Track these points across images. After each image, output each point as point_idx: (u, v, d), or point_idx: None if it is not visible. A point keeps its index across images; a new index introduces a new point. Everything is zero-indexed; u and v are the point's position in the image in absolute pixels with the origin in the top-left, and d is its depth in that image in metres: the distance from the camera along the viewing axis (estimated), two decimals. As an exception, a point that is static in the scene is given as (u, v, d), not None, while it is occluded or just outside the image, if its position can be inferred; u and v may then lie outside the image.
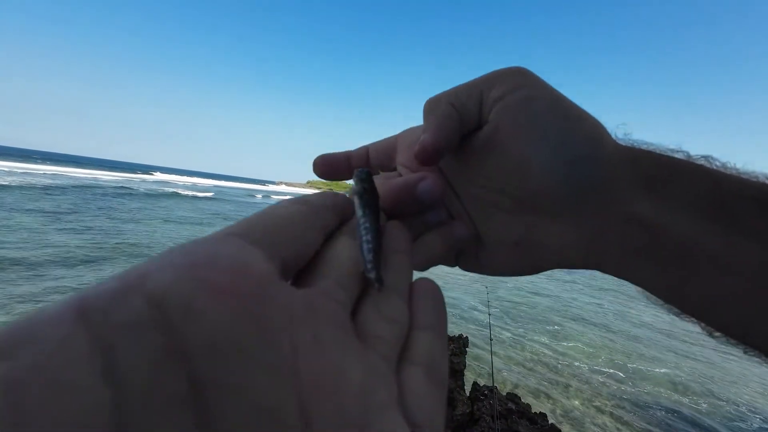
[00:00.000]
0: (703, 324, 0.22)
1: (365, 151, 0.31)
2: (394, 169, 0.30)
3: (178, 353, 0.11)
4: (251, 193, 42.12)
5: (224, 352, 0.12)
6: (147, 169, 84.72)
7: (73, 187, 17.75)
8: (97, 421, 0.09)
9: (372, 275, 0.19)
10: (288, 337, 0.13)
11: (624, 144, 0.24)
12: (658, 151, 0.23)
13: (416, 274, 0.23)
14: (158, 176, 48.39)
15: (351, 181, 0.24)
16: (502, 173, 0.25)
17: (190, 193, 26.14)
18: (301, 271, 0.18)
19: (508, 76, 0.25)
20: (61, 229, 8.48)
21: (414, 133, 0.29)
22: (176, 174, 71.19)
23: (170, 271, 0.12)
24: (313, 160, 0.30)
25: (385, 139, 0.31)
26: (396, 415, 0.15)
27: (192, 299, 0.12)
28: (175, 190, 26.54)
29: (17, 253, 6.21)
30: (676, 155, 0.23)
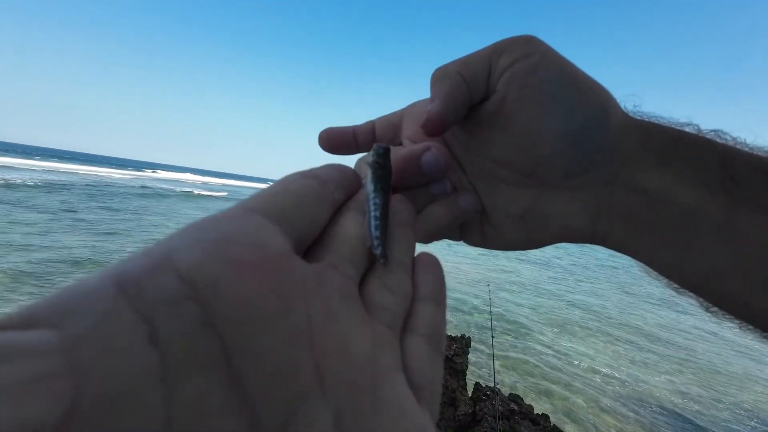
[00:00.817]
0: (701, 299, 0.22)
1: (371, 125, 0.30)
2: (400, 144, 0.30)
3: (209, 323, 0.12)
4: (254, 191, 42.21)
5: (249, 322, 0.13)
6: (147, 167, 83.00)
7: (92, 186, 17.72)
8: (149, 379, 0.10)
9: (378, 252, 0.19)
10: (303, 308, 0.15)
11: (633, 116, 0.23)
12: (667, 124, 0.23)
13: (419, 247, 0.23)
14: (162, 174, 47.16)
15: (365, 155, 0.24)
16: (509, 144, 0.24)
17: (206, 192, 25.83)
18: (311, 245, 0.18)
19: (516, 45, 0.24)
20: (114, 234, 8.35)
21: (420, 106, 0.28)
22: (178, 172, 69.16)
23: (197, 248, 0.13)
24: (318, 134, 0.30)
25: (392, 114, 0.31)
26: (400, 378, 0.17)
27: (219, 275, 0.13)
28: (191, 190, 26.37)
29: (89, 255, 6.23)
30: (686, 129, 0.22)
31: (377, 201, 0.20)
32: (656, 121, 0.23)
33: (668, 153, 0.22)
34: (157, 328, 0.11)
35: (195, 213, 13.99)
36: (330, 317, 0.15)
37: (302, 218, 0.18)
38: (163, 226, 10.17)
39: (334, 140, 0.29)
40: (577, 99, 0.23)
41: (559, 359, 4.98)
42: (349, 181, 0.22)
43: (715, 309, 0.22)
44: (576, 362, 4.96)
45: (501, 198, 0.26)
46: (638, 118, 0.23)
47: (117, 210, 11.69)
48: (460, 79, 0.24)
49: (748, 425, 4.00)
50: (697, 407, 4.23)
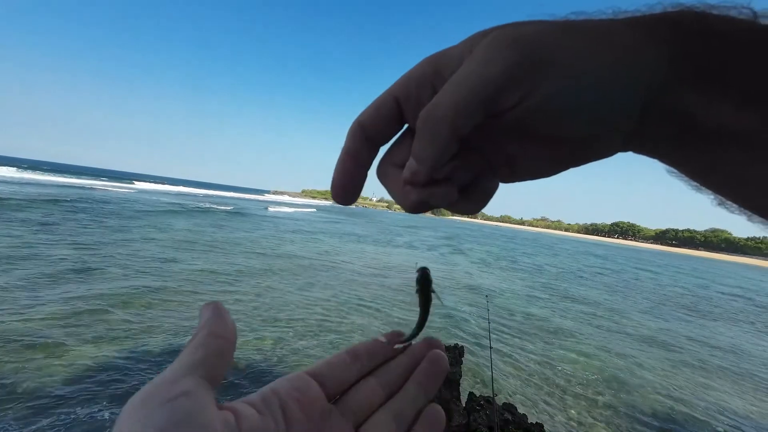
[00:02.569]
0: (736, 205, 0.21)
1: (361, 134, 0.25)
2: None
3: None
4: (263, 205, 39.79)
5: None
6: (123, 177, 77.69)
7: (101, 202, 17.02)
8: None
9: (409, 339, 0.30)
10: None
11: (661, 22, 0.19)
12: (708, 32, 0.18)
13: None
14: (142, 185, 44.79)
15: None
16: (525, 131, 0.22)
17: (214, 206, 24.83)
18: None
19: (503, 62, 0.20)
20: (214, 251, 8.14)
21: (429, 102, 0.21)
22: (157, 182, 65.53)
23: None
24: (330, 187, 0.26)
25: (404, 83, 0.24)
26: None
27: None
28: (201, 204, 25.27)
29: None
30: (732, 12, 0.19)
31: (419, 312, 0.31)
32: (693, 31, 0.18)
33: (709, 77, 0.18)
34: None
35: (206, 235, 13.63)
36: None
37: (337, 380, 0.27)
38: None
39: (350, 192, 0.26)
40: (591, 86, 0.19)
41: (552, 368, 4.97)
42: (374, 355, 0.30)
43: (759, 220, 0.21)
44: (569, 371, 4.95)
45: (525, 160, 0.24)
46: (670, 22, 0.19)
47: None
48: (452, 136, 0.21)
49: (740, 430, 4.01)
50: (688, 412, 4.24)
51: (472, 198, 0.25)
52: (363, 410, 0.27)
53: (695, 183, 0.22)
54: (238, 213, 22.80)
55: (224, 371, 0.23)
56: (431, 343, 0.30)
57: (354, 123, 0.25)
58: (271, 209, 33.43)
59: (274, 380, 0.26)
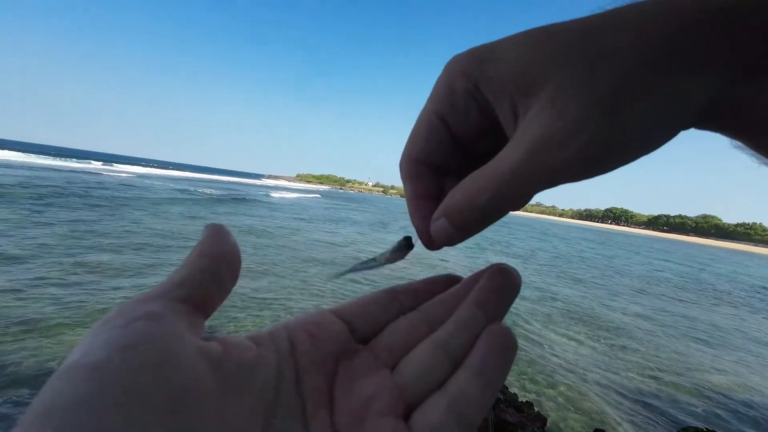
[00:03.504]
0: None
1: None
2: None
3: None
4: (263, 191, 37.88)
5: None
6: (104, 159, 73.02)
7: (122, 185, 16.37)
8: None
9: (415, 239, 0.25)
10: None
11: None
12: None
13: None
14: (133, 169, 42.56)
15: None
16: None
17: (221, 193, 23.34)
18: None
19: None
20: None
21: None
22: (141, 165, 60.23)
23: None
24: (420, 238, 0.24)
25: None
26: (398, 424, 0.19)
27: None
28: (206, 190, 23.97)
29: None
30: None
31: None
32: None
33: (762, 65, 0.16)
34: None
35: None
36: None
37: (368, 319, 0.23)
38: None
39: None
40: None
41: (542, 347, 5.11)
42: (414, 292, 0.24)
43: None
44: (560, 351, 5.10)
45: None
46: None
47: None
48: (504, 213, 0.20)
49: (724, 408, 4.19)
50: (673, 390, 4.41)
51: None
52: (400, 347, 0.21)
53: (765, 159, 0.20)
54: (245, 200, 22.09)
55: (217, 295, 0.19)
56: (503, 272, 0.23)
57: (406, 162, 0.23)
58: (274, 195, 32.31)
59: None
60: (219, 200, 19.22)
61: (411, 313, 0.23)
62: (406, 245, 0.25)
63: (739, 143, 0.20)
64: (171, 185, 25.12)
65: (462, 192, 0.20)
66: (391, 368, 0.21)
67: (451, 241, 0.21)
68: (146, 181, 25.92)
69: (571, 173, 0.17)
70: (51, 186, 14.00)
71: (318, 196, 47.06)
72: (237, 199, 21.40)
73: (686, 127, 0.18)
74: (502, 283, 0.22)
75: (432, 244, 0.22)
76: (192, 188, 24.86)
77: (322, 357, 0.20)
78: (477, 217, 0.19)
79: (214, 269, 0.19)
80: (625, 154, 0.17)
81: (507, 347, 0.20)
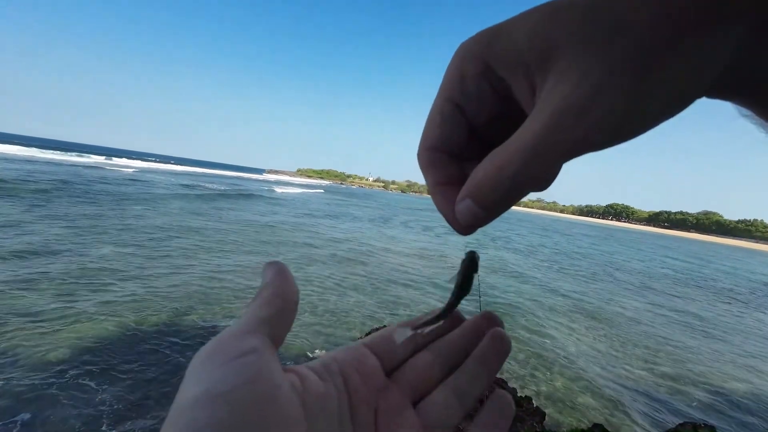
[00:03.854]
0: None
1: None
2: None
3: None
4: (266, 186, 38.13)
5: None
6: (106, 153, 74.67)
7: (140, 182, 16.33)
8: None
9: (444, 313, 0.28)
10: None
11: None
12: None
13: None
14: (134, 163, 42.86)
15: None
16: None
17: (226, 189, 23.55)
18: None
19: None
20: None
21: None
22: (140, 159, 59.98)
23: None
24: (448, 222, 0.23)
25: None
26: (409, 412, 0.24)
27: None
28: (211, 185, 23.97)
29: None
30: None
31: (452, 290, 0.28)
32: None
33: None
34: None
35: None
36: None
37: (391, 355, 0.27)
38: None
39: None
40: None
41: (542, 343, 5.13)
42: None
43: None
44: (558, 345, 5.12)
45: None
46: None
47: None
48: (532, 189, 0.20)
49: (722, 401, 4.22)
50: (671, 385, 4.43)
51: None
52: (420, 385, 0.26)
53: None
54: (252, 196, 22.10)
55: (285, 333, 0.22)
56: (490, 319, 0.28)
57: (423, 151, 0.23)
58: (278, 190, 32.24)
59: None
60: (225, 195, 19.11)
61: (424, 353, 0.27)
62: (470, 261, 0.28)
63: (747, 111, 0.20)
64: (176, 180, 25.13)
65: (485, 170, 0.19)
66: (413, 403, 0.25)
67: (478, 222, 0.21)
68: (149, 175, 25.91)
69: (595, 141, 0.17)
70: (53, 180, 13.98)
71: (321, 191, 47.13)
72: (243, 195, 21.35)
73: (703, 93, 0.17)
74: (500, 349, 0.26)
75: (460, 227, 0.22)
76: (198, 183, 24.87)
77: (368, 392, 0.24)
78: (502, 195, 0.19)
79: (286, 310, 0.22)
80: (648, 119, 0.17)
81: (508, 411, 0.25)
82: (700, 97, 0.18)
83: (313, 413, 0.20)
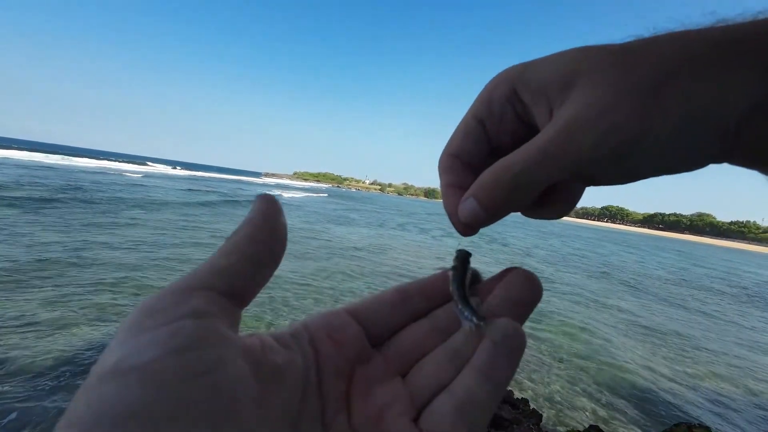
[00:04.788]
0: None
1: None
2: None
3: None
4: (268, 190, 36.91)
5: None
6: (107, 157, 73.06)
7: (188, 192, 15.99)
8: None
9: (473, 320, 0.21)
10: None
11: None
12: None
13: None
14: (126, 166, 43.30)
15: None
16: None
17: (233, 195, 22.59)
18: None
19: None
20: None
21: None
22: (134, 163, 57.11)
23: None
24: (452, 223, 0.24)
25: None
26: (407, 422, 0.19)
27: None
28: (217, 190, 23.31)
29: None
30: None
31: (455, 293, 0.23)
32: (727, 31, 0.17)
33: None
34: None
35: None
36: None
37: (380, 321, 0.23)
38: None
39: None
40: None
41: (537, 345, 5.14)
42: (429, 293, 0.24)
43: None
44: (555, 347, 5.13)
45: None
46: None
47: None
48: (532, 195, 0.21)
49: (723, 408, 4.25)
50: (668, 387, 4.46)
51: (549, 206, 0.24)
52: (412, 357, 0.22)
53: None
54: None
55: (256, 287, 0.19)
56: (517, 271, 0.23)
57: (444, 156, 0.25)
58: (286, 195, 31.43)
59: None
60: (237, 202, 18.66)
61: (422, 321, 0.23)
62: (461, 258, 0.25)
63: None
64: (184, 186, 24.78)
65: (491, 169, 0.21)
66: (402, 375, 0.21)
67: (479, 221, 0.22)
68: (156, 180, 25.46)
69: (600, 160, 0.18)
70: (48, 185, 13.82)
71: (325, 195, 47.10)
72: (252, 201, 21.00)
73: (718, 151, 0.18)
74: (519, 296, 0.22)
75: (461, 226, 0.23)
76: (209, 189, 24.57)
77: (342, 363, 0.21)
78: (504, 196, 0.20)
79: (260, 257, 0.18)
80: (656, 152, 0.17)
81: (515, 347, 0.20)
82: (714, 154, 0.18)
83: (270, 388, 0.17)
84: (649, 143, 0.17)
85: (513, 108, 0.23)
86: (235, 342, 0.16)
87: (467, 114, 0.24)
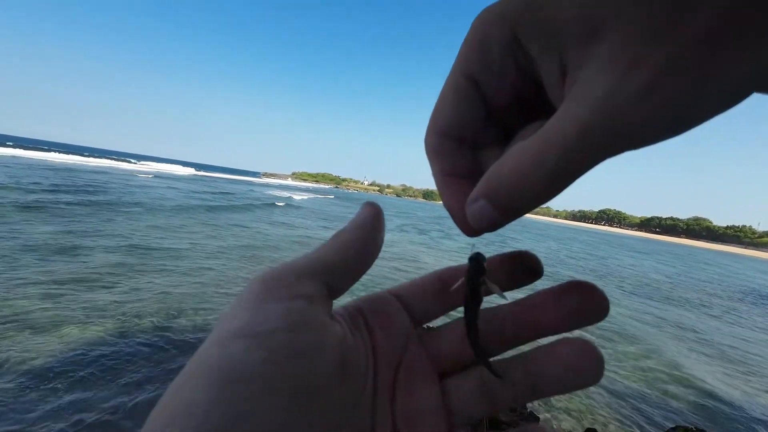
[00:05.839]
0: None
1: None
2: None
3: None
4: (275, 190, 36.66)
5: None
6: (97, 154, 73.88)
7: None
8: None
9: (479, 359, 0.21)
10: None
11: None
12: None
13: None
14: (132, 166, 42.60)
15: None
16: None
17: (236, 193, 22.73)
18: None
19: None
20: None
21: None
22: (131, 162, 56.02)
23: None
24: (454, 220, 0.21)
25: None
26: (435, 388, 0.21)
27: None
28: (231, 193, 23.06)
29: None
30: None
31: (466, 312, 0.22)
32: None
33: None
34: None
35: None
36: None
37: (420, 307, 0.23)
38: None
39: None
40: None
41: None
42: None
43: None
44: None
45: None
46: None
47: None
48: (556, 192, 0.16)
49: (710, 408, 4.26)
50: (663, 391, 4.47)
51: None
52: (449, 360, 0.22)
53: None
54: (275, 205, 20.76)
55: (348, 287, 0.20)
56: (579, 288, 0.20)
57: (431, 135, 0.20)
58: (297, 197, 30.90)
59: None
60: (255, 206, 18.33)
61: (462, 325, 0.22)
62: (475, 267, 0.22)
63: None
64: (196, 187, 24.61)
65: (511, 166, 0.16)
66: (439, 377, 0.22)
67: (493, 226, 0.18)
68: (167, 181, 25.31)
69: (649, 134, 0.14)
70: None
71: (332, 196, 47.12)
72: (268, 204, 20.57)
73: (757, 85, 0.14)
74: (580, 315, 0.20)
75: (469, 229, 0.19)
76: (222, 191, 24.35)
77: (391, 351, 0.21)
78: (531, 196, 0.16)
79: (362, 260, 0.20)
80: (707, 112, 0.14)
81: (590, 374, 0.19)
82: (755, 90, 0.14)
83: (345, 373, 0.18)
84: (699, 110, 0.14)
85: (514, 59, 0.17)
86: (332, 330, 0.18)
87: (453, 74, 0.18)
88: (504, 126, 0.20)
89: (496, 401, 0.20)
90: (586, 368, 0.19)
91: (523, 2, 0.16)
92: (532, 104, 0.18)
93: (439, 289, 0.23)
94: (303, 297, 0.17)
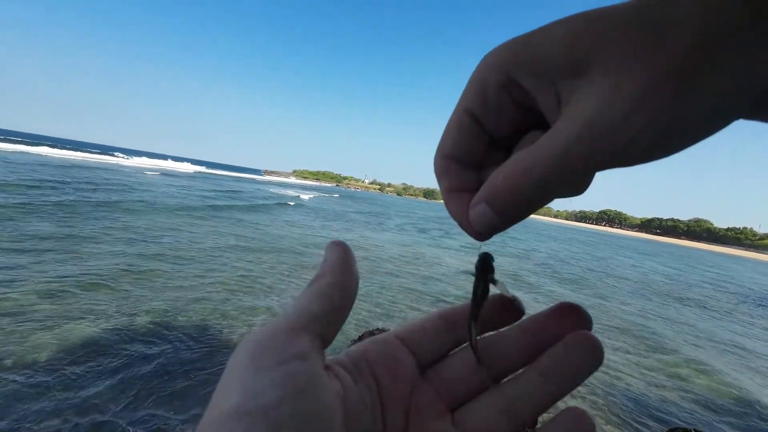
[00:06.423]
0: None
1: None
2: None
3: None
4: (281, 189, 36.28)
5: None
6: (105, 150, 73.76)
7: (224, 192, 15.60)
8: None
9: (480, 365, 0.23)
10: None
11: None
12: None
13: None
14: (133, 160, 42.67)
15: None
16: None
17: (263, 199, 22.06)
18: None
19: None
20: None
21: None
22: (144, 157, 58.08)
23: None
24: (464, 229, 0.23)
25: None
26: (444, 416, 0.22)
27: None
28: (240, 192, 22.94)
29: None
30: None
31: (470, 316, 0.23)
32: None
33: None
34: None
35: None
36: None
37: (427, 347, 0.24)
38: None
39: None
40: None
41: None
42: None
43: None
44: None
45: None
46: None
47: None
48: (552, 196, 0.19)
49: (706, 404, 4.26)
50: (661, 390, 4.47)
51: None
52: (459, 390, 0.22)
53: None
54: (286, 204, 20.66)
55: (335, 333, 0.20)
56: (571, 313, 0.22)
57: (438, 160, 0.22)
58: (304, 197, 30.40)
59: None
60: (266, 206, 18.06)
61: (468, 350, 0.23)
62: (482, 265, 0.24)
63: None
64: (207, 185, 24.44)
65: (505, 174, 0.18)
66: (450, 410, 0.22)
67: (493, 229, 0.20)
68: (179, 179, 25.11)
69: (630, 153, 0.16)
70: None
71: (337, 195, 47.01)
72: (280, 204, 20.35)
73: (746, 110, 0.16)
74: (580, 361, 0.21)
75: (475, 233, 0.21)
76: (223, 189, 24.14)
77: (399, 396, 0.21)
78: (522, 201, 0.18)
79: (343, 303, 0.20)
80: (689, 135, 0.15)
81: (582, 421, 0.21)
82: (742, 115, 0.16)
83: (351, 420, 0.18)
84: (682, 130, 0.15)
85: (510, 96, 0.19)
86: (332, 387, 0.18)
87: (458, 109, 0.21)
88: (508, 148, 0.22)
89: (517, 417, 0.21)
90: (588, 351, 0.21)
91: (517, 44, 0.18)
92: (536, 126, 0.20)
93: (443, 329, 0.24)
94: (298, 356, 0.17)
